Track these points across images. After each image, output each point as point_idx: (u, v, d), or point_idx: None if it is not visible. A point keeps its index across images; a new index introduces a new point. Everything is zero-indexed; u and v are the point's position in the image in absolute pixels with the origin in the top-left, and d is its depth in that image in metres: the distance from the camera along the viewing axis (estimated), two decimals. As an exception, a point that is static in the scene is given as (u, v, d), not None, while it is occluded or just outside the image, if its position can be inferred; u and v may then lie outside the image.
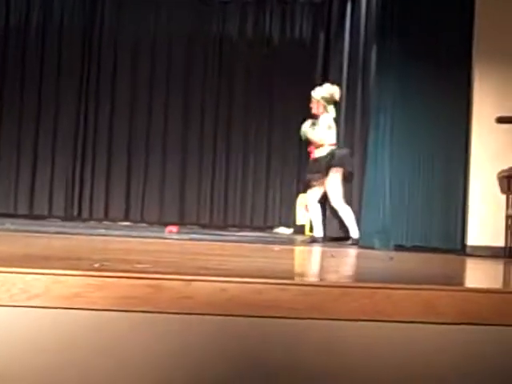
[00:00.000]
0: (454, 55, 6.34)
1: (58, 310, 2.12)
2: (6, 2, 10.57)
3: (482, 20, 6.26)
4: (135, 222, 10.42)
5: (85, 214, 10.62)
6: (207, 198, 10.68)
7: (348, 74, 8.05)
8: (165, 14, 10.70)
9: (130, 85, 10.72)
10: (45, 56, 10.60)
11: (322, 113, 7.24)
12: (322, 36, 8.92)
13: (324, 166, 7.09)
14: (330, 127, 7.22)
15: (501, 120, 5.90)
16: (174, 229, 8.02)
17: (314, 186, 7.33)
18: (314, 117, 7.44)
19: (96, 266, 2.47)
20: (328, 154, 7.15)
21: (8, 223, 7.81)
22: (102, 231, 7.30)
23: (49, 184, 10.63)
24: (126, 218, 10.56)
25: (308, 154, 7.62)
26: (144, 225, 10.09)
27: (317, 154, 7.27)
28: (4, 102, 10.62)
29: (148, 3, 10.59)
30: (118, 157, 10.72)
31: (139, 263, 2.72)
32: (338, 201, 7.14)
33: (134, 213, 10.69)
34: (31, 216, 10.27)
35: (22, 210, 10.56)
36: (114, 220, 10.38)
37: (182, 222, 10.17)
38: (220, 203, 10.68)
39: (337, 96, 7.35)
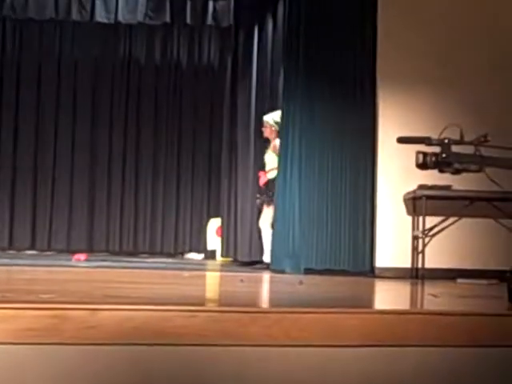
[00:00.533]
0: (358, 77, 6.49)
1: None
2: None
3: (384, 42, 6.44)
4: (42, 250, 10.14)
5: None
6: (116, 225, 10.52)
7: (256, 97, 8.13)
8: (69, 37, 10.53)
9: (35, 109, 10.48)
10: None
11: (274, 138, 7.22)
12: (229, 60, 8.98)
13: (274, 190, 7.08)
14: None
15: (401, 140, 6.05)
16: (82, 257, 7.85)
17: (264, 209, 7.30)
18: (266, 141, 7.45)
19: (-3, 297, 2.38)
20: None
21: None
22: (6, 261, 7.07)
23: None
24: (33, 247, 10.26)
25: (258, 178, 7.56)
26: (51, 253, 9.83)
27: (268, 176, 7.22)
28: None
29: (51, 27, 10.39)
30: (22, 183, 10.44)
31: (44, 293, 2.63)
32: (263, 222, 7.18)
33: (40, 241, 10.40)
34: None
35: None
36: (19, 249, 10.07)
37: (90, 250, 9.97)
38: (130, 229, 10.54)
39: None
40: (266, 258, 7.11)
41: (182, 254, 10.29)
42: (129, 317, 2.07)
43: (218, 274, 6.47)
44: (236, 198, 8.26)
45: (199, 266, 7.63)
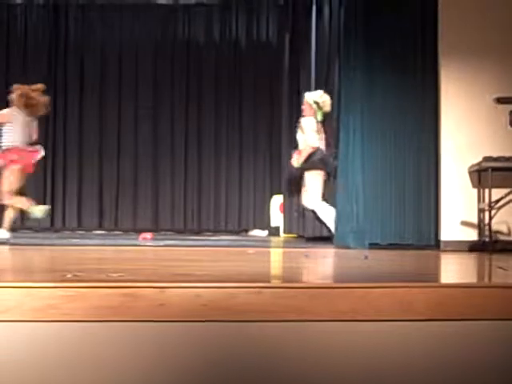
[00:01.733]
0: (420, 50, 6.37)
1: (31, 323, 2.09)
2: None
3: (446, 13, 6.29)
4: (109, 230, 10.34)
5: (58, 223, 10.52)
6: (181, 204, 10.64)
7: (316, 75, 8.07)
8: (130, 20, 10.63)
9: (99, 92, 10.64)
10: (10, 69, 10.48)
11: (309, 116, 7.14)
12: (287, 37, 8.92)
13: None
14: (313, 130, 7.16)
15: (499, 100, 5.98)
16: (148, 236, 7.97)
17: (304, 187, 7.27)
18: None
19: (69, 276, 2.45)
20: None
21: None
22: (76, 241, 7.24)
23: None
24: (100, 227, 10.48)
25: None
26: (118, 233, 10.02)
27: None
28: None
29: (112, 11, 10.51)
30: (89, 165, 10.64)
31: (114, 272, 2.69)
32: (315, 201, 7.11)
33: (107, 221, 10.61)
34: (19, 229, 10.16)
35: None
36: (87, 229, 10.30)
37: (156, 229, 10.11)
38: (194, 208, 10.64)
39: (327, 105, 7.26)
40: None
41: (246, 231, 10.35)
42: (196, 294, 2.10)
43: (282, 250, 6.49)
44: (297, 174, 8.25)
45: (263, 243, 7.66)
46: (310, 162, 7.08)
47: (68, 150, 10.63)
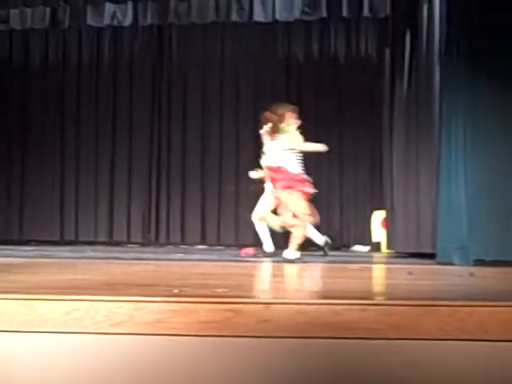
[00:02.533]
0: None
1: (140, 336, 2.16)
2: (78, 40, 10.89)
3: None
4: (212, 245, 10.49)
5: (162, 238, 10.76)
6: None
7: (416, 87, 7.96)
8: (230, 38, 10.81)
9: (201, 112, 10.84)
10: (117, 88, 10.86)
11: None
12: (387, 52, 8.83)
13: None
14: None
15: None
16: (250, 251, 8.03)
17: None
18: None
19: (175, 291, 2.50)
20: None
21: (89, 250, 8.01)
22: (180, 256, 7.38)
23: (126, 210, 10.83)
24: (203, 242, 10.65)
25: None
26: (220, 247, 10.15)
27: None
28: (80, 135, 10.91)
29: (213, 30, 10.70)
30: (192, 181, 10.84)
31: (218, 287, 2.74)
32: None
33: (210, 236, 10.77)
34: (110, 242, 10.47)
35: (102, 236, 10.79)
36: (190, 244, 10.49)
37: (257, 244, 10.18)
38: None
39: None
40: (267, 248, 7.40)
41: (348, 246, 10.28)
42: (301, 311, 2.11)
43: (384, 266, 6.41)
44: (399, 189, 8.15)
45: (365, 259, 7.59)
46: None
47: (172, 167, 10.88)
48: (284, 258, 6.30)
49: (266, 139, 7.13)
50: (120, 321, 2.16)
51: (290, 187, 6.47)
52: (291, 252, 6.33)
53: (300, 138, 6.89)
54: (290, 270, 5.02)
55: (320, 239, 7.66)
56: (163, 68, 10.92)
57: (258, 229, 7.58)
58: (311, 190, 6.70)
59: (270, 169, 6.75)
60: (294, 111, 7.02)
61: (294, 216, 6.44)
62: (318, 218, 6.81)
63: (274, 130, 6.76)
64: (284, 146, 6.65)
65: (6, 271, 4.36)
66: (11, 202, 10.79)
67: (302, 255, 6.42)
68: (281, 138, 6.71)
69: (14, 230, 10.76)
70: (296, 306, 2.14)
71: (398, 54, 8.37)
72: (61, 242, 10.27)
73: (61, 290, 2.73)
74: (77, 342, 2.22)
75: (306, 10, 9.61)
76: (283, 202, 6.48)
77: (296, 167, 6.63)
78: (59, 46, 11.05)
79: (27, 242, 9.98)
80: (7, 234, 10.55)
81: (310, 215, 6.54)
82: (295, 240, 6.37)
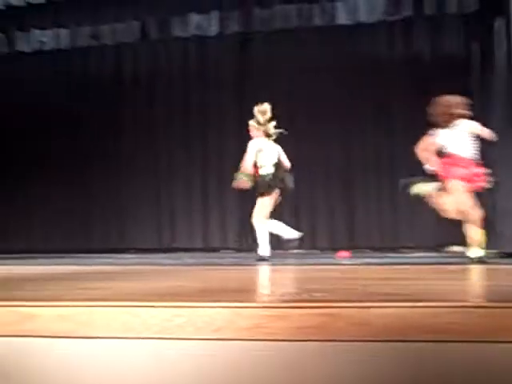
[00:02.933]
0: None
1: (240, 341, 2.20)
2: (166, 52, 11.14)
3: None
4: (307, 248, 10.49)
5: (254, 245, 10.85)
6: (376, 220, 10.58)
7: (509, 83, 7.75)
8: (313, 43, 10.78)
9: (288, 118, 10.83)
10: (205, 97, 11.03)
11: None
12: (475, 48, 8.61)
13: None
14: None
15: None
16: (345, 254, 8.00)
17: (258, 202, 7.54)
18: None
19: (274, 297, 2.53)
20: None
21: (185, 257, 8.17)
22: (274, 260, 7.43)
23: (221, 217, 10.99)
24: (299, 246, 10.65)
25: None
26: (315, 251, 10.14)
27: (260, 172, 7.51)
28: (173, 143, 11.15)
29: (296, 35, 10.68)
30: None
31: (315, 292, 2.75)
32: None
33: (306, 240, 10.78)
34: (206, 249, 10.64)
35: (198, 243, 10.98)
36: (285, 249, 10.52)
37: (353, 247, 10.12)
38: (389, 224, 10.55)
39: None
40: (262, 252, 7.28)
41: (444, 247, 10.07)
42: (400, 314, 2.10)
43: (483, 267, 6.26)
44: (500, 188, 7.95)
45: (463, 260, 7.44)
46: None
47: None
48: (472, 257, 6.05)
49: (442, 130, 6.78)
50: (220, 326, 2.20)
51: (465, 177, 6.19)
52: (475, 250, 6.08)
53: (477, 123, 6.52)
54: (386, 272, 4.97)
55: (292, 233, 7.52)
56: (248, 75, 11.02)
57: (258, 231, 7.46)
58: (483, 183, 6.35)
59: (449, 156, 6.44)
60: (463, 101, 6.74)
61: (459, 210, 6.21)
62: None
63: (452, 118, 6.51)
64: (465, 132, 6.38)
65: (110, 279, 4.51)
66: (112, 212, 11.12)
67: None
68: (461, 125, 6.44)
69: (114, 238, 11.09)
70: (395, 310, 2.13)
71: (487, 49, 8.19)
72: (159, 250, 10.52)
73: (162, 296, 2.81)
74: (178, 347, 2.27)
75: (389, 10, 9.52)
76: (455, 190, 6.23)
77: (472, 154, 6.34)
78: (148, 58, 11.35)
79: (127, 250, 10.27)
80: (108, 243, 10.89)
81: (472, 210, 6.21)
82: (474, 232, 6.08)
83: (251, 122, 7.53)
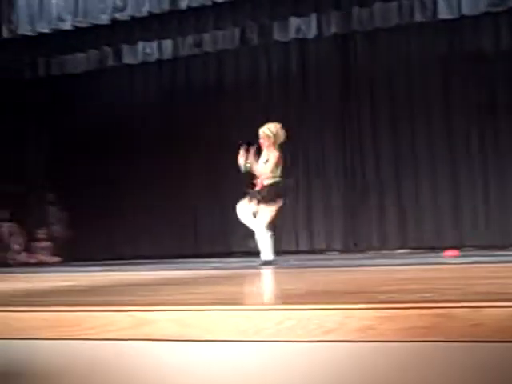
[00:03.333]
0: None
1: (352, 343, 2.21)
2: (266, 56, 11.26)
3: None
4: (412, 248, 10.35)
5: (362, 245, 10.81)
6: (483, 218, 10.33)
7: None
8: (415, 39, 10.63)
9: (390, 117, 10.76)
10: (306, 99, 11.08)
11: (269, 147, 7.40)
12: None
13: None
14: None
15: None
16: (453, 253, 7.85)
17: (261, 210, 7.40)
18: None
19: (382, 298, 2.54)
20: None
21: (291, 259, 8.22)
22: (380, 261, 7.38)
23: (326, 218, 11.00)
24: (403, 246, 10.54)
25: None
26: (421, 251, 9.99)
27: (265, 183, 7.40)
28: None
29: (397, 33, 10.55)
30: (388, 185, 10.80)
31: (424, 292, 2.73)
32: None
33: (410, 240, 10.65)
34: (312, 251, 10.67)
35: (303, 245, 11.03)
36: (390, 249, 10.42)
37: (460, 245, 9.92)
38: (495, 222, 10.27)
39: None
40: (264, 256, 7.18)
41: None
42: (512, 314, 2.06)
43: None
44: None
45: None
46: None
47: (366, 173, 10.89)
48: None
49: None
50: (331, 328, 2.23)
51: None
52: None
53: None
54: (496, 271, 4.85)
55: (267, 255, 7.34)
56: (349, 76, 10.98)
57: (260, 236, 7.39)
58: None
59: None
60: None
61: None
62: None
63: None
64: None
65: (218, 283, 4.60)
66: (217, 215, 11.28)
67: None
68: None
69: (220, 242, 11.28)
70: (508, 310, 2.09)
71: None
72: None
73: (272, 299, 2.86)
74: (289, 350, 2.31)
75: (495, 0, 9.25)
76: None
77: None
78: (249, 64, 11.48)
79: (234, 254, 10.42)
80: (215, 247, 11.10)
81: None
82: None
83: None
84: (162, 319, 2.47)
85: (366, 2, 9.38)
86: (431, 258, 7.72)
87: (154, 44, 10.30)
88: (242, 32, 10.09)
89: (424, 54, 10.54)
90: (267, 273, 6.17)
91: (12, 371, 2.60)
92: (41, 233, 11.36)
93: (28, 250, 11.31)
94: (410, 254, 9.41)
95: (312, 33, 9.78)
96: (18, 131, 11.59)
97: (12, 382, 2.62)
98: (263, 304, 2.47)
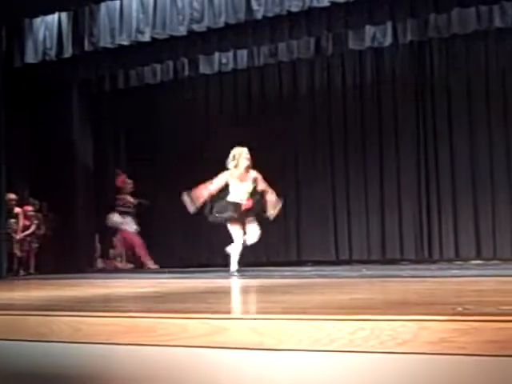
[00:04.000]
0: None
1: (425, 355, 2.19)
2: (341, 65, 11.24)
3: None
4: (487, 259, 10.12)
5: (435, 255, 10.64)
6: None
7: None
8: (493, 46, 10.41)
9: (468, 124, 10.57)
10: (381, 108, 11.00)
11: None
12: None
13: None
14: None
15: None
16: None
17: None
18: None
19: (459, 309, 2.49)
20: None
21: (364, 269, 8.16)
22: (455, 272, 7.23)
23: (398, 228, 10.87)
24: (478, 256, 10.32)
25: None
26: (497, 262, 9.76)
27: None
28: (348, 156, 11.20)
29: (475, 39, 10.34)
30: (463, 195, 10.61)
31: (501, 304, 2.68)
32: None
33: (485, 250, 10.42)
34: (384, 261, 10.56)
35: (375, 255, 10.93)
36: (465, 259, 10.22)
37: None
38: None
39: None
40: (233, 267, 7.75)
41: None
42: None
43: None
44: None
45: None
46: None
47: (441, 180, 10.73)
48: None
49: None
50: (405, 340, 2.21)
51: None
52: None
53: None
54: None
55: (233, 265, 7.87)
56: (426, 83, 10.86)
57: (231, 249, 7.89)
58: None
59: None
60: None
61: None
62: None
63: None
64: None
65: (289, 292, 4.61)
66: (288, 224, 11.31)
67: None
68: None
69: (292, 251, 11.30)
70: None
71: None
72: (336, 262, 10.58)
73: (344, 309, 2.85)
74: (363, 361, 2.30)
75: None
76: None
77: None
78: (324, 73, 11.46)
79: (304, 263, 10.41)
80: (286, 256, 11.11)
81: None
82: None
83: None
84: (237, 327, 2.50)
85: (444, 9, 9.21)
86: (508, 269, 7.53)
87: (230, 54, 10.39)
88: (317, 41, 10.08)
89: (503, 61, 10.31)
90: (342, 282, 6.13)
91: (87, 374, 2.67)
92: (116, 240, 11.58)
93: (105, 256, 11.56)
94: (485, 265, 9.20)
95: (387, 41, 9.68)
96: (99, 141, 11.84)
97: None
98: (335, 314, 2.46)
